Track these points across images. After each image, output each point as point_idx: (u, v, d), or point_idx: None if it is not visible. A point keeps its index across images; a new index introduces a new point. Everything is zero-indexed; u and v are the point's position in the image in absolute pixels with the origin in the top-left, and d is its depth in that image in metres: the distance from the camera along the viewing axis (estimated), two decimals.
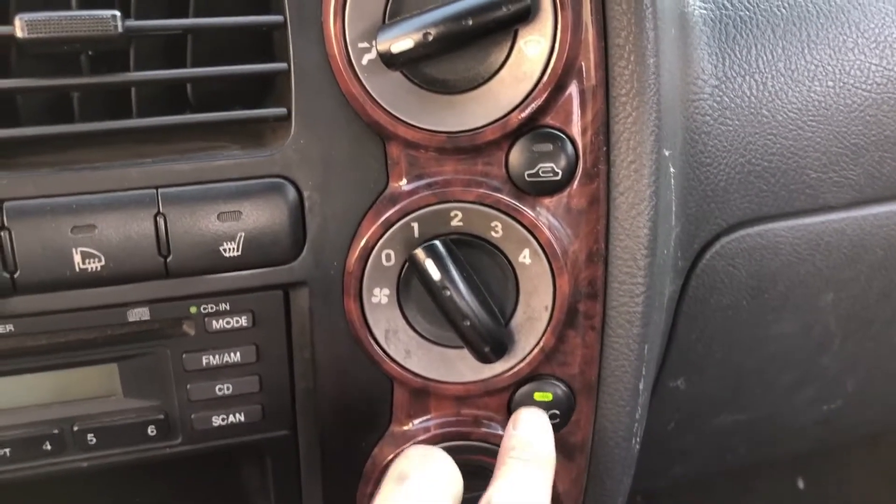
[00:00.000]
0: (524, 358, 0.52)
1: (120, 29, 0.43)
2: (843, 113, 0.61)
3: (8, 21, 0.43)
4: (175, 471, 0.58)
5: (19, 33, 0.41)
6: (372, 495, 0.54)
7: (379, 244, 0.49)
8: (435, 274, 0.48)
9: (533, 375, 0.53)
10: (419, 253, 0.48)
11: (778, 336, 0.68)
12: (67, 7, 0.45)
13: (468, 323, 0.49)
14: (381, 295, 0.50)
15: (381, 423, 0.55)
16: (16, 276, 0.45)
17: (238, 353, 0.51)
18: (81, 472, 0.51)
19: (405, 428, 0.54)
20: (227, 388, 0.51)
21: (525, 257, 0.50)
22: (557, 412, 0.54)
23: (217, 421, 0.52)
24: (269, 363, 0.51)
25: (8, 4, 0.46)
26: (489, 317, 0.50)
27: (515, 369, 0.52)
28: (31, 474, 0.50)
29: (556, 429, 0.54)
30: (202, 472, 0.60)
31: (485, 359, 0.51)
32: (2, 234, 0.44)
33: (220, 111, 0.48)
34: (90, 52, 0.46)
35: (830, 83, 0.61)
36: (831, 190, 0.62)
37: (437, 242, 0.49)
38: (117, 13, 0.43)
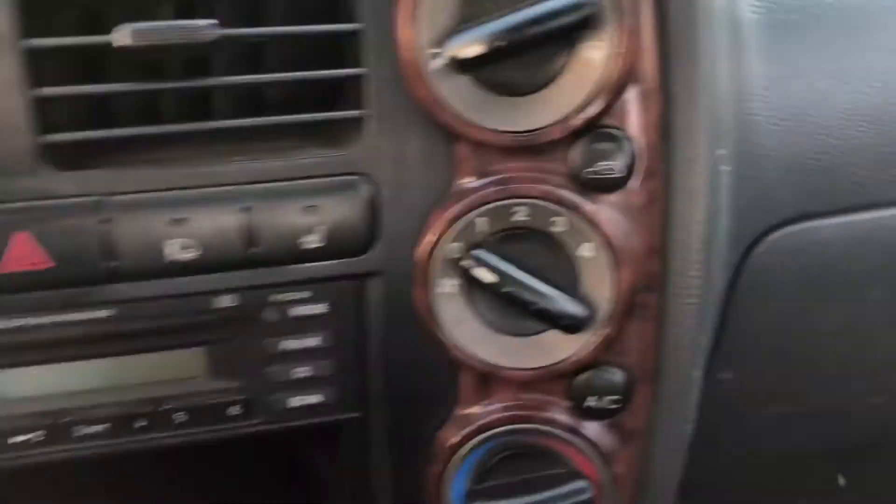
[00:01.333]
0: (585, 347, 0.54)
1: (215, 37, 0.47)
2: (891, 114, 0.63)
3: (99, 31, 0.46)
4: (250, 451, 0.61)
5: (128, 41, 0.45)
6: (440, 476, 0.57)
7: (446, 237, 0.52)
8: (488, 278, 0.51)
9: (593, 363, 0.56)
10: (466, 264, 0.51)
11: (825, 329, 0.69)
12: (153, 17, 0.49)
13: (536, 308, 0.51)
14: (448, 285, 0.53)
15: (447, 406, 0.57)
16: (118, 264, 0.48)
17: (315, 339, 0.54)
18: (166, 448, 0.55)
19: (469, 411, 0.57)
20: (305, 372, 0.54)
21: (587, 251, 0.53)
22: (617, 397, 0.57)
23: (294, 402, 0.55)
24: (344, 348, 0.55)
25: (102, 16, 0.49)
26: (555, 295, 0.51)
27: (577, 357, 0.55)
28: (122, 450, 0.54)
29: (615, 413, 0.57)
30: (274, 453, 0.63)
31: (568, 331, 0.53)
32: (107, 226, 0.48)
33: (294, 113, 0.51)
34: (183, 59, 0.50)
35: (879, 85, 0.62)
36: (879, 188, 0.64)
37: (481, 251, 0.51)
38: (215, 21, 0.46)
